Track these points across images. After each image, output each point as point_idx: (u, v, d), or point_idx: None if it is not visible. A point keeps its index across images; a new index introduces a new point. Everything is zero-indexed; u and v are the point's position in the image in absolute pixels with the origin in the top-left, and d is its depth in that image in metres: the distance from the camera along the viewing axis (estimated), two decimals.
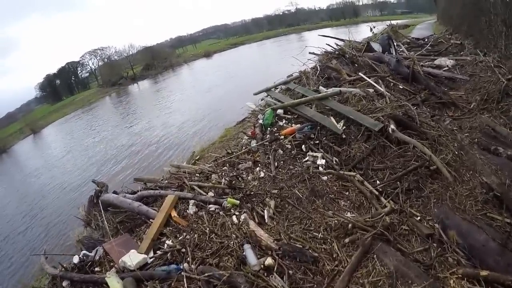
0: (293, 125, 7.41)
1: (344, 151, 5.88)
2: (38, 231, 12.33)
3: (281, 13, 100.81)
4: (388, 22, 30.02)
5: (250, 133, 7.67)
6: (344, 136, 6.01)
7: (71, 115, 45.82)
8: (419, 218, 4.34)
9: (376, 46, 14.50)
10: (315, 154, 6.08)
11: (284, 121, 7.78)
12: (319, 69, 10.21)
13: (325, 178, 5.42)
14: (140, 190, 6.00)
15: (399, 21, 44.74)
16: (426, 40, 20.18)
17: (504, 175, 5.11)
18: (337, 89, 8.21)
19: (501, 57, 11.10)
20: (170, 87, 42.51)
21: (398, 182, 4.89)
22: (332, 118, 6.52)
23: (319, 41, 14.76)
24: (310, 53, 12.07)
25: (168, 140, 18.69)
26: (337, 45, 13.32)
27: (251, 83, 21.11)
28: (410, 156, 5.17)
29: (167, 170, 7.24)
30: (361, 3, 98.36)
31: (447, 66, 11.84)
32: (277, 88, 10.35)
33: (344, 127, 6.25)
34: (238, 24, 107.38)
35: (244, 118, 11.84)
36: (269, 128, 7.48)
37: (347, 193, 5.07)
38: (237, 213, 4.59)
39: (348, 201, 4.86)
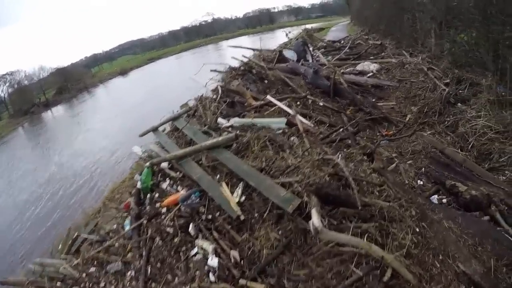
0: (179, 188, 5.01)
1: (245, 241, 3.57)
2: None
3: (198, 24, 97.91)
4: (303, 27, 29.25)
5: (124, 206, 5.33)
6: (243, 218, 3.68)
7: None
8: None
9: (290, 54, 12.79)
10: (205, 244, 3.75)
11: (168, 181, 5.32)
12: (220, 92, 7.92)
13: None
14: None
15: (314, 25, 45.30)
16: (342, 42, 19.24)
17: (486, 253, 3.32)
18: (238, 120, 6.01)
19: (431, 57, 9.83)
20: (87, 111, 38.27)
21: None
22: (224, 185, 4.18)
23: (236, 52, 12.85)
24: (211, 70, 9.72)
25: (88, 172, 16.08)
26: (245, 57, 11.20)
27: (167, 101, 18.92)
28: (349, 254, 3.00)
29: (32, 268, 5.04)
30: (276, 10, 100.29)
31: (372, 71, 10.32)
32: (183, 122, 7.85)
33: (244, 196, 3.95)
34: (155, 37, 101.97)
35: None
36: (148, 195, 5.10)
37: None
38: None
39: None
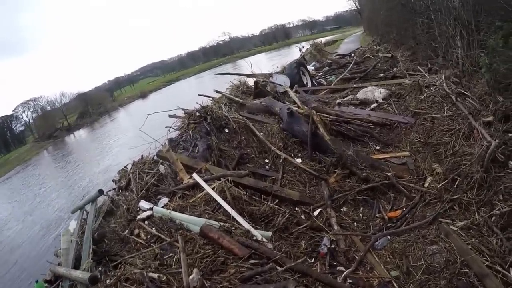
0: None
1: None
2: None
3: (215, 44, 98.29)
4: (317, 40, 27.01)
5: None
6: None
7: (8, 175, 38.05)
8: None
9: (282, 79, 10.43)
10: None
11: None
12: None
13: None
14: None
15: (328, 37, 43.09)
16: (352, 55, 16.82)
17: None
18: (158, 210, 3.82)
19: (459, 76, 6.84)
20: (108, 133, 38.63)
21: None
22: None
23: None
24: (170, 116, 7.52)
25: None
26: (218, 92, 8.99)
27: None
28: None
29: None
30: (291, 25, 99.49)
31: (376, 100, 7.81)
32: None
33: None
34: (175, 59, 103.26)
35: None
36: None
37: None
38: None
39: None
